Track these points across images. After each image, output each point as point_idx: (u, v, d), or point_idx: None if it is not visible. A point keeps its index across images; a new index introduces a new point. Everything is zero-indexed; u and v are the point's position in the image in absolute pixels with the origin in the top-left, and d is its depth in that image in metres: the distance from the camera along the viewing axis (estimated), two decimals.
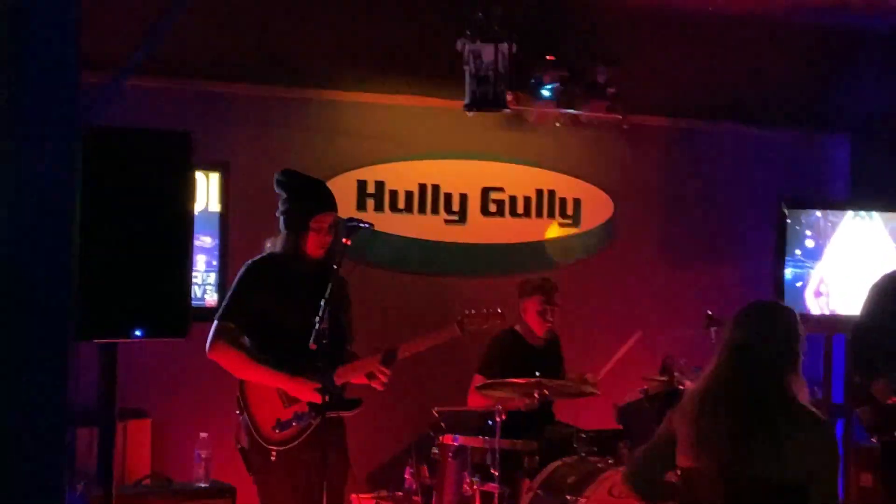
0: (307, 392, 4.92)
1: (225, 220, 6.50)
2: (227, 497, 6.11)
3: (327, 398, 4.82)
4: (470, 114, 6.61)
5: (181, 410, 6.63)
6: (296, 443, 4.96)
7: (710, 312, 6.96)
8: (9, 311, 1.91)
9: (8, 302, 1.93)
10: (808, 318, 7.66)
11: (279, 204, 5.17)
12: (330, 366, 4.93)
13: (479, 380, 6.72)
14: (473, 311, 5.36)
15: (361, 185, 7.28)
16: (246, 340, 5.05)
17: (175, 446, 6.53)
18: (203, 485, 6.13)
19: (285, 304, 4.99)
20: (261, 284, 5.06)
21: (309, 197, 5.12)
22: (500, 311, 5.46)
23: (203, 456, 6.10)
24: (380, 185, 7.34)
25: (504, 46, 6.29)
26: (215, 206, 6.51)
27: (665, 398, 6.36)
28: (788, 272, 7.67)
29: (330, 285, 4.78)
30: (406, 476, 6.68)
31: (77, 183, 1.94)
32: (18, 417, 1.97)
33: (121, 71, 3.48)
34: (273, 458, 4.94)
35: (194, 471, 6.13)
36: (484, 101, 6.37)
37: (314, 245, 5.04)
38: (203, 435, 6.15)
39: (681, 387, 6.38)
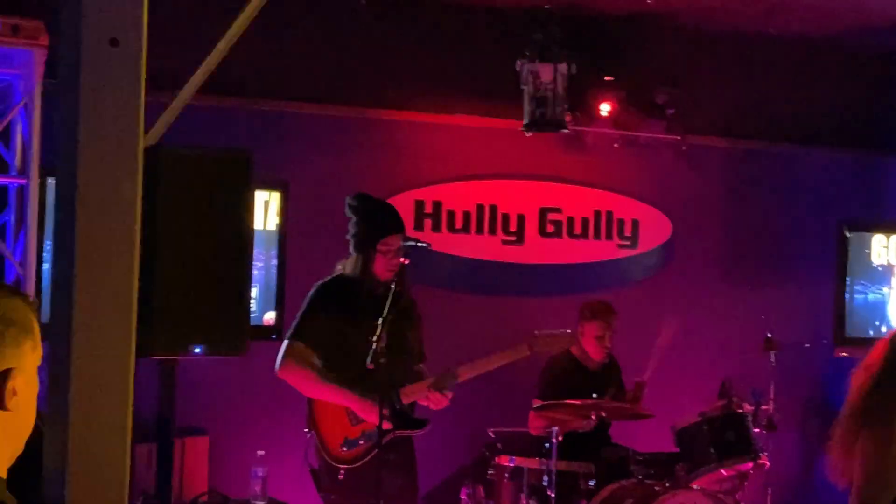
0: (374, 411, 4.94)
1: (283, 239, 6.54)
2: None
3: (394, 417, 4.84)
4: (528, 134, 6.60)
5: (239, 428, 6.66)
6: (363, 461, 4.98)
7: (769, 335, 6.91)
8: (72, 327, 1.94)
9: (71, 318, 1.95)
10: (869, 341, 7.58)
11: (349, 226, 5.22)
12: (397, 385, 4.96)
13: (537, 401, 6.69)
14: (543, 332, 5.39)
15: (419, 205, 7.29)
16: (315, 360, 5.09)
17: (232, 464, 6.56)
18: (260, 503, 6.15)
19: (354, 324, 5.03)
20: (330, 305, 5.11)
21: (376, 220, 5.18)
22: (569, 331, 5.50)
23: (260, 474, 6.12)
24: (437, 205, 7.36)
25: (563, 66, 6.27)
26: (273, 225, 6.54)
27: (723, 421, 6.31)
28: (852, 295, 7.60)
29: (388, 305, 4.81)
30: (462, 497, 6.65)
31: (138, 200, 1.97)
32: (82, 432, 1.99)
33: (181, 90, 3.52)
34: (341, 477, 4.97)
35: (251, 488, 6.15)
36: (543, 122, 6.36)
37: (382, 267, 5.08)
38: (260, 453, 6.17)
39: (739, 410, 6.33)
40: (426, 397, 5.09)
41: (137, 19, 1.94)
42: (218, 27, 3.33)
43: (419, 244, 5.07)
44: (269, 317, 6.53)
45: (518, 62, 6.41)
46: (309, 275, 6.02)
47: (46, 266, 5.93)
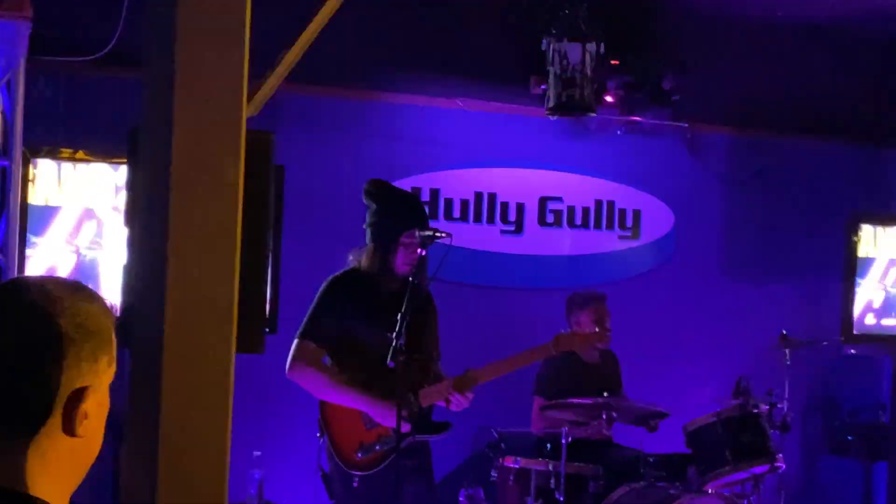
0: (391, 415, 4.62)
1: (278, 225, 6.17)
2: None
3: (413, 421, 4.53)
4: (553, 118, 6.28)
5: (233, 427, 6.29)
6: (379, 468, 4.66)
7: (784, 332, 6.66)
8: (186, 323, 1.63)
9: (163, 316, 1.65)
10: (877, 338, 7.38)
11: (367, 216, 4.88)
12: (416, 386, 4.65)
13: (539, 401, 6.40)
14: (569, 332, 5.12)
15: (415, 192, 6.95)
16: (328, 360, 4.76)
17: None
18: None
19: (370, 322, 4.69)
20: (344, 301, 4.76)
21: (401, 210, 4.84)
22: (597, 330, 5.21)
23: (256, 476, 5.78)
24: (434, 192, 7.05)
25: (592, 46, 5.94)
26: None
27: (739, 422, 6.05)
28: (859, 291, 7.38)
29: (406, 299, 4.49)
30: (460, 499, 6.36)
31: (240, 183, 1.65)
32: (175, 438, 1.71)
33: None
34: (355, 485, 4.64)
35: (246, 491, 5.81)
36: (571, 105, 6.03)
37: (403, 261, 4.76)
38: (257, 453, 5.84)
39: (755, 410, 6.08)
40: (447, 398, 4.77)
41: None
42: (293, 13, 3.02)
43: (438, 235, 4.75)
44: None
45: (544, 41, 6.06)
46: (304, 263, 5.69)
47: (29, 251, 5.54)
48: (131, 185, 1.96)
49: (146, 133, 1.65)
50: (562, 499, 5.77)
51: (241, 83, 1.55)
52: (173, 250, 1.57)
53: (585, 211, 7.39)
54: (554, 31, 6.01)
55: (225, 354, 1.72)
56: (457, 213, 7.09)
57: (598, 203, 7.41)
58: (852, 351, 7.37)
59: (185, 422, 1.80)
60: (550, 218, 7.30)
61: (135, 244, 1.74)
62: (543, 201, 7.29)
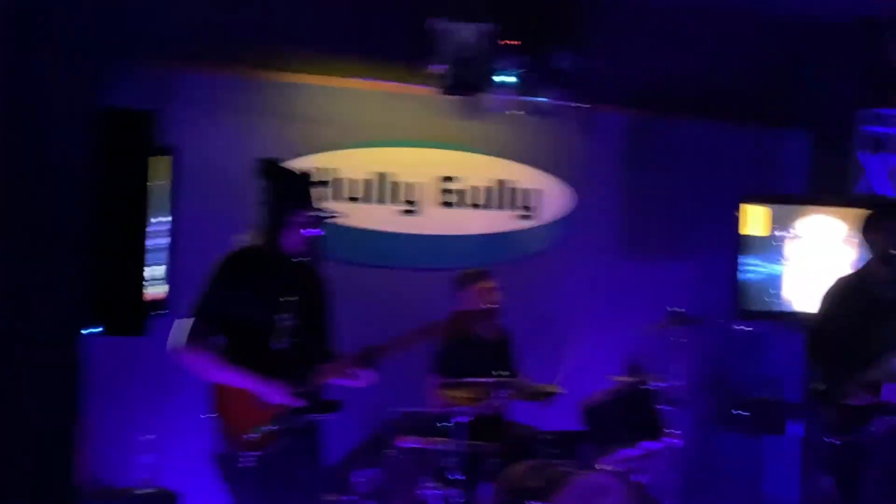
0: (283, 395, 4.62)
1: (173, 206, 6.12)
2: None
3: (304, 401, 4.55)
4: (445, 97, 6.29)
5: (123, 411, 6.24)
6: (271, 448, 4.65)
7: (675, 309, 6.75)
8: (26, 300, 1.63)
9: (25, 290, 1.66)
10: (766, 315, 7.53)
11: (258, 194, 4.86)
12: (308, 366, 4.65)
13: (434, 380, 6.45)
14: (465, 310, 5.16)
15: (311, 172, 6.85)
16: (217, 340, 4.72)
17: (116, 450, 6.15)
18: (146, 491, 5.77)
19: (262, 301, 4.68)
20: (236, 280, 4.73)
21: (291, 190, 4.84)
22: (492, 307, 5.26)
23: (147, 461, 5.74)
24: (331, 172, 7.03)
25: (485, 26, 5.96)
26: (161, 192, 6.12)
27: (632, 399, 6.14)
28: (749, 269, 7.51)
29: (298, 279, 4.52)
30: (356, 479, 6.38)
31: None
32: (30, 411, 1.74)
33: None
34: (247, 465, 4.62)
35: (137, 475, 5.77)
36: (463, 85, 6.05)
37: (294, 240, 4.75)
38: (149, 437, 5.80)
39: (648, 387, 6.17)
40: (345, 376, 4.77)
41: None
42: None
43: (327, 215, 4.77)
44: (158, 290, 6.11)
45: (436, 21, 6.06)
46: (199, 244, 5.65)
47: None
48: None
49: None
50: (457, 477, 5.82)
51: (98, 61, 1.53)
52: (20, 234, 1.56)
53: (485, 191, 7.42)
54: (448, 11, 6.01)
55: (70, 339, 1.72)
56: (354, 193, 7.08)
57: (498, 183, 7.45)
58: (743, 328, 7.52)
59: (28, 407, 1.78)
60: (449, 198, 7.32)
61: None
62: (442, 181, 7.30)
